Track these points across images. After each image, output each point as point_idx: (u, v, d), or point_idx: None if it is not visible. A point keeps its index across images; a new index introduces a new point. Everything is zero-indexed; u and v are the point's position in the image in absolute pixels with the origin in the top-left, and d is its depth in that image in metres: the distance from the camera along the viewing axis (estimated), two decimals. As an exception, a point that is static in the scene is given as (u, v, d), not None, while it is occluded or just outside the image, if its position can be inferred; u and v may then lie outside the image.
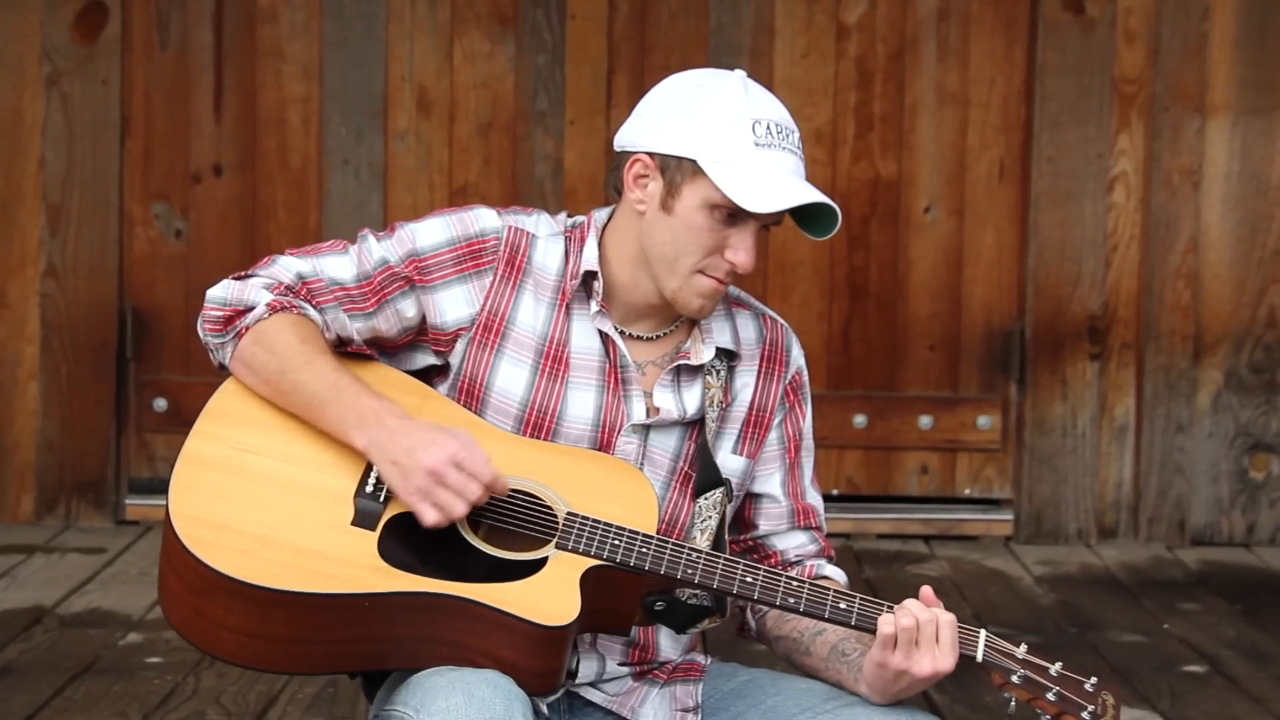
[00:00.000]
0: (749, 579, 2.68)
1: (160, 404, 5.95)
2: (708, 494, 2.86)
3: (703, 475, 2.87)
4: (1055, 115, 5.94)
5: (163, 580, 2.74)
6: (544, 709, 2.81)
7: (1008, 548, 5.96)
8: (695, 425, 2.89)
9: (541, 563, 2.67)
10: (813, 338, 6.03)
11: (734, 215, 2.75)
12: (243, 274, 2.87)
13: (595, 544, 2.68)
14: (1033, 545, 5.96)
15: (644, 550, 2.68)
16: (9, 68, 5.92)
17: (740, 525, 2.97)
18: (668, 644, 2.92)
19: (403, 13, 5.97)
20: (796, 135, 2.80)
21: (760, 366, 2.95)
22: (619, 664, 2.89)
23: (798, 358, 2.99)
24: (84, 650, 4.68)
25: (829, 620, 2.69)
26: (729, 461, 2.91)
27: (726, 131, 2.75)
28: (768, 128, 2.76)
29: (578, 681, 2.86)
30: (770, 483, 2.95)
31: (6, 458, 5.98)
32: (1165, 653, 4.88)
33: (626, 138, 2.84)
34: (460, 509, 2.66)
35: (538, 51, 5.95)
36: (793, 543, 2.96)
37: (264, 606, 2.63)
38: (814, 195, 2.74)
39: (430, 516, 2.66)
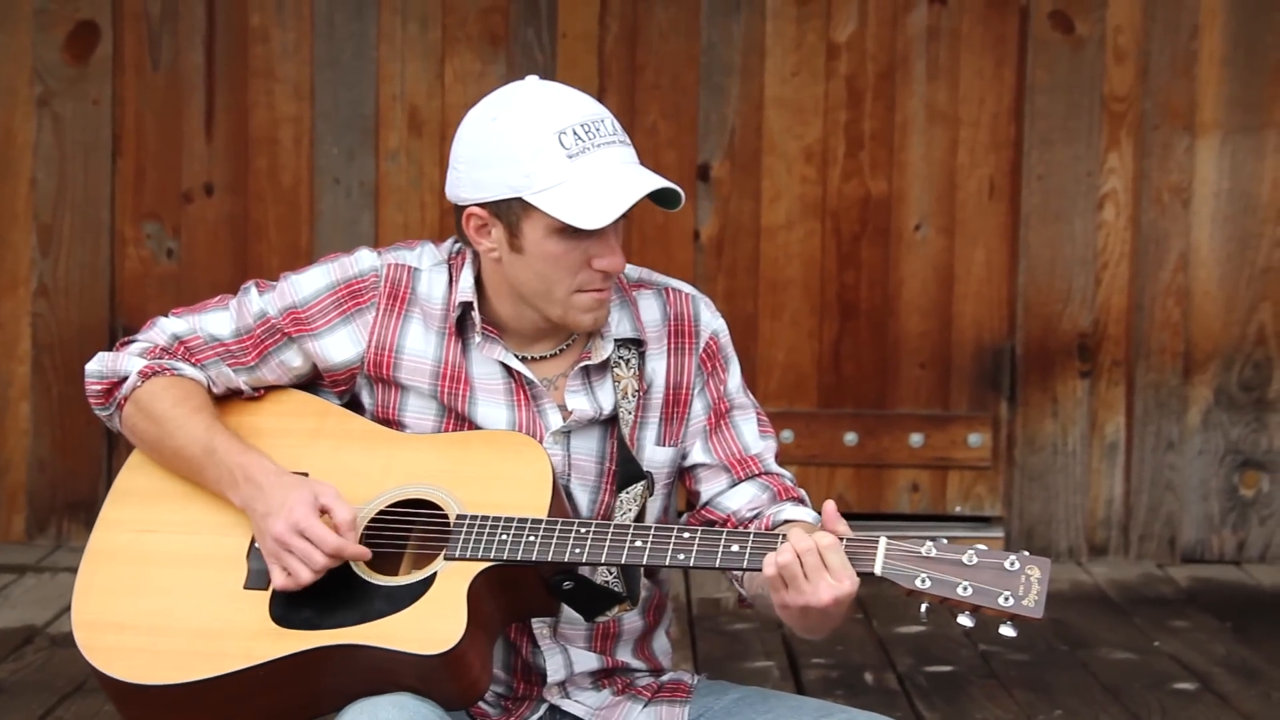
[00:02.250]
0: (638, 543, 2.65)
1: (152, 423, 5.95)
2: (629, 488, 2.84)
3: (622, 469, 2.84)
4: (1045, 133, 5.95)
5: None
6: None
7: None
8: (615, 422, 2.86)
9: (432, 580, 2.67)
10: (803, 355, 6.04)
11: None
12: (123, 341, 2.94)
13: (482, 546, 2.67)
14: (1024, 563, 5.95)
15: (531, 540, 2.66)
16: (0, 88, 5.92)
17: (691, 498, 2.93)
18: (629, 618, 2.89)
19: (394, 33, 5.98)
20: (607, 121, 2.75)
21: (669, 344, 2.90)
22: (584, 649, 2.87)
23: (710, 322, 2.92)
24: (75, 670, 4.67)
25: (721, 569, 2.64)
26: (655, 455, 2.88)
27: (535, 157, 2.70)
28: (574, 134, 2.71)
29: (550, 681, 2.86)
30: (696, 452, 2.90)
31: (-2, 477, 5.99)
32: (1156, 670, 4.88)
33: (453, 193, 2.81)
34: (305, 576, 2.69)
35: (529, 71, 5.89)
36: (743, 499, 2.88)
37: (171, 699, 2.70)
38: (643, 188, 2.70)
39: (278, 579, 2.71)
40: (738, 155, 6.01)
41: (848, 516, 6.44)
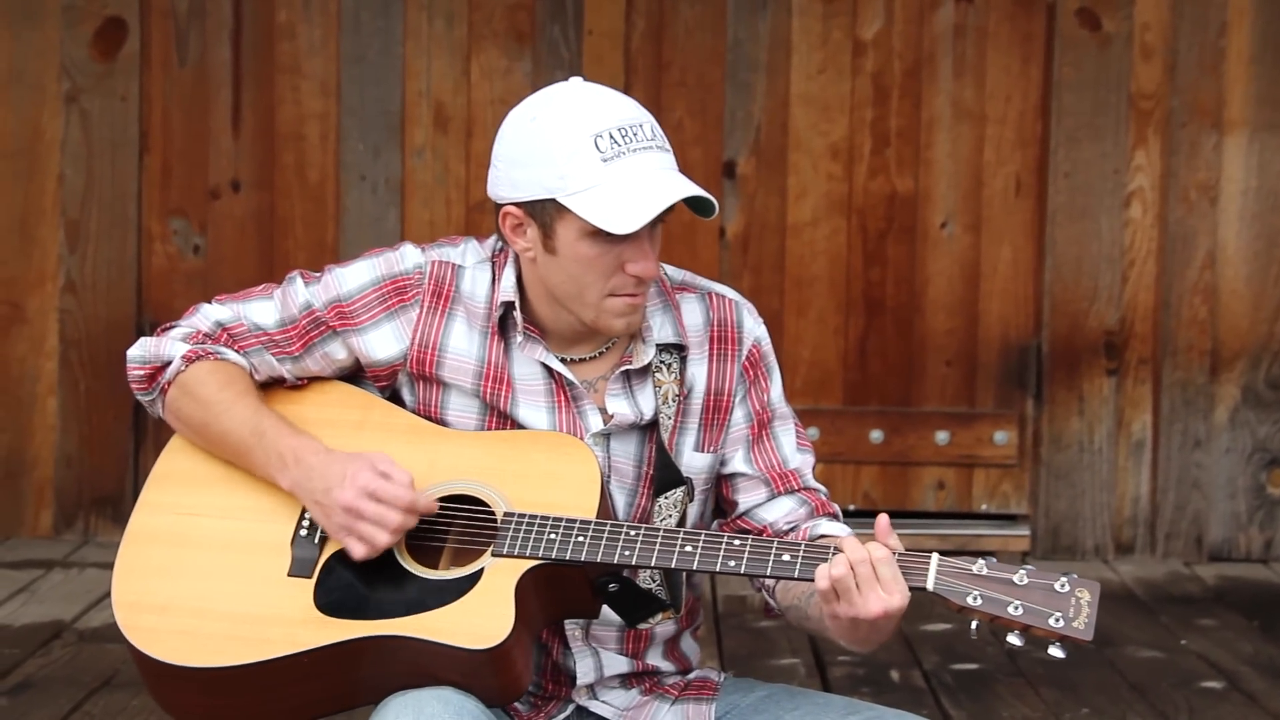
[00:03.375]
0: (688, 549, 2.64)
1: (178, 419, 5.96)
2: (668, 493, 2.83)
3: (660, 475, 2.83)
4: (1072, 131, 5.94)
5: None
6: None
7: (1024, 563, 5.95)
8: (655, 426, 2.85)
9: (479, 575, 2.67)
10: (829, 353, 6.03)
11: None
12: (165, 327, 2.93)
13: (530, 544, 2.67)
14: (1050, 561, 5.95)
15: (580, 540, 2.66)
16: (29, 84, 5.94)
17: (726, 505, 2.92)
18: (662, 625, 2.89)
19: (420, 30, 5.99)
20: (647, 126, 2.73)
21: (711, 350, 2.88)
22: (616, 653, 2.87)
23: (753, 329, 2.91)
24: (102, 665, 4.69)
25: (771, 577, 2.64)
26: (694, 460, 2.87)
27: (571, 159, 2.69)
28: (610, 137, 2.70)
29: (579, 683, 2.85)
30: (736, 461, 2.89)
31: (25, 473, 6.00)
32: (1183, 669, 4.87)
33: (492, 190, 2.81)
34: (383, 539, 2.68)
35: (555, 68, 5.96)
36: (780, 511, 2.88)
37: (211, 682, 2.69)
38: (675, 194, 2.68)
39: (356, 550, 2.70)
40: (764, 152, 6.01)
41: (873, 514, 6.43)
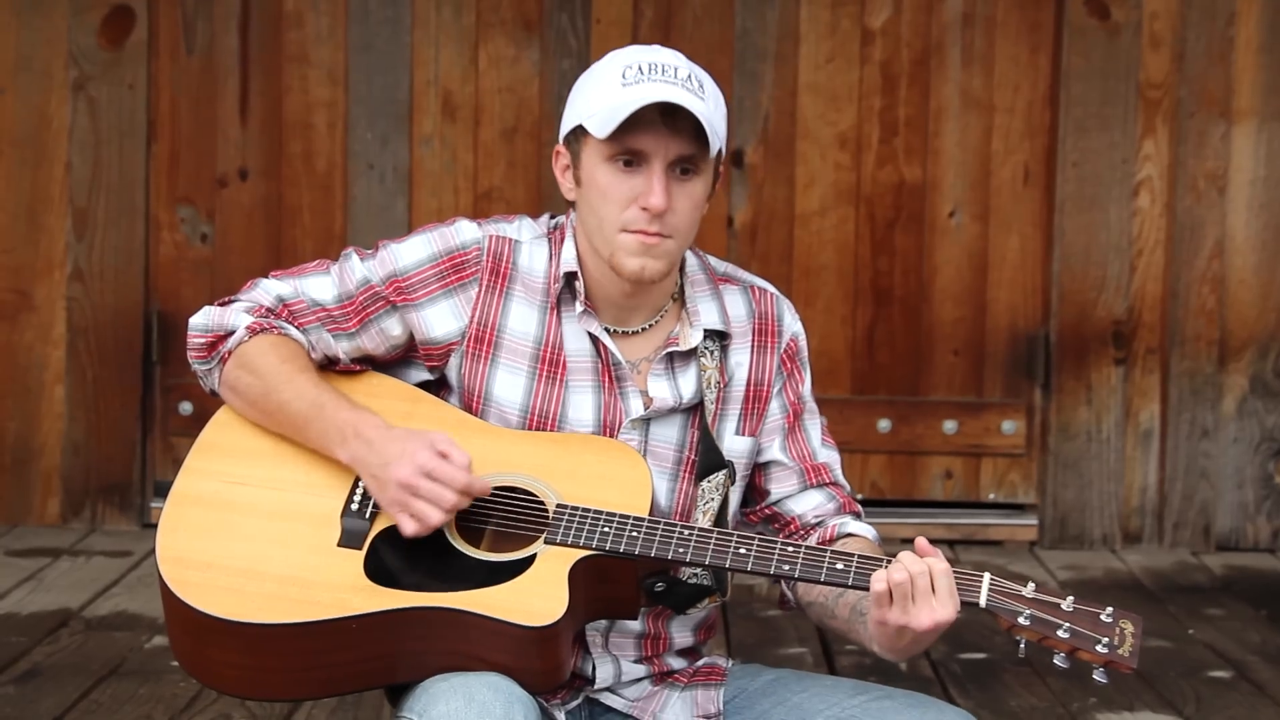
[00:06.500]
0: (741, 550, 2.67)
1: (186, 407, 5.97)
2: (710, 477, 2.85)
3: (704, 459, 2.86)
4: (1080, 120, 5.93)
5: (166, 621, 2.80)
6: (561, 717, 2.82)
7: (1032, 553, 5.95)
8: (696, 411, 2.88)
9: (531, 560, 2.68)
10: (837, 342, 6.03)
11: (631, 160, 2.75)
12: (225, 300, 2.93)
13: (584, 535, 2.69)
14: (1057, 550, 5.95)
15: (634, 535, 2.68)
16: (36, 72, 5.94)
17: (755, 495, 2.95)
18: (679, 633, 2.91)
19: (428, 18, 5.98)
20: (685, 70, 2.76)
21: (753, 341, 2.94)
22: (634, 661, 2.89)
23: (791, 324, 2.98)
24: (110, 653, 4.69)
25: (825, 583, 2.67)
26: (735, 444, 2.90)
27: (598, 85, 2.77)
28: (638, 69, 2.75)
29: (596, 687, 2.86)
30: (773, 450, 2.93)
31: (33, 461, 6.00)
32: (1190, 658, 4.87)
33: None
34: (435, 517, 2.68)
35: (562, 56, 5.96)
36: (809, 504, 2.93)
37: (255, 640, 2.67)
38: (658, 97, 2.70)
39: (407, 527, 2.70)
40: (772, 141, 6.00)
41: (881, 503, 6.46)
